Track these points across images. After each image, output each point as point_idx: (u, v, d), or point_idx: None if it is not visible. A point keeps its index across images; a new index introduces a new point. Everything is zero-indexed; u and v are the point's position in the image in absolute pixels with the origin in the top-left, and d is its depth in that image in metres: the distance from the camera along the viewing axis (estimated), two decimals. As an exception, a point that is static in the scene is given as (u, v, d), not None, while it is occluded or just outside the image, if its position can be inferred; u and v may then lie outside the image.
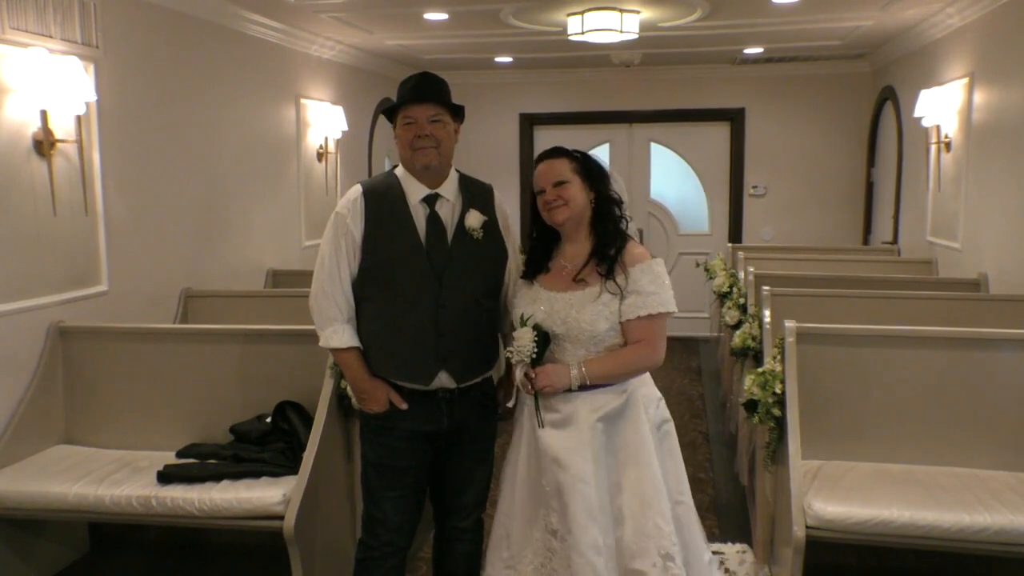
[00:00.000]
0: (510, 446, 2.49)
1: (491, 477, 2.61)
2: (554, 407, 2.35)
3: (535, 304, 2.37)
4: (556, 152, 2.43)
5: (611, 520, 2.31)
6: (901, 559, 3.44)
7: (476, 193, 2.51)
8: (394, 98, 2.47)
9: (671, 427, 2.46)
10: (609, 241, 2.37)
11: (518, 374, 2.32)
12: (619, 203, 2.43)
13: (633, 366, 2.35)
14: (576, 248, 2.42)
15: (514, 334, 2.32)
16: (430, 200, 2.42)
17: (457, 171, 2.51)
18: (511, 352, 2.32)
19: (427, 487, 2.60)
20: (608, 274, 2.33)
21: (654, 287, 2.32)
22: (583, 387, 2.32)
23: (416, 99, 2.38)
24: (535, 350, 2.29)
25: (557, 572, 2.31)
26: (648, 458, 2.33)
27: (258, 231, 5.11)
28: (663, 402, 2.46)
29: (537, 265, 2.45)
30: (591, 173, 2.40)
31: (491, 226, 2.47)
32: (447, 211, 2.45)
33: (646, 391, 2.41)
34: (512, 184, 7.45)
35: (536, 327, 2.31)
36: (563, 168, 2.38)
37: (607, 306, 2.31)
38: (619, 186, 2.46)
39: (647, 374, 2.44)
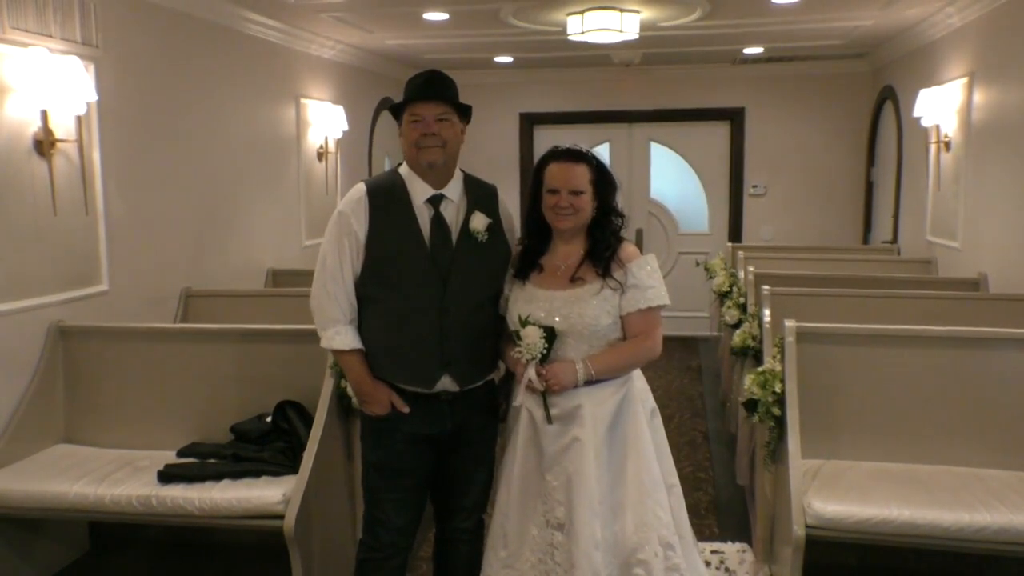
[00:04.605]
0: (507, 446, 2.50)
1: (492, 478, 2.61)
2: (559, 402, 2.36)
3: (532, 304, 2.37)
4: (579, 156, 2.39)
5: (610, 513, 2.33)
6: (901, 558, 3.44)
7: (481, 194, 2.49)
8: (394, 98, 2.47)
9: (658, 414, 2.52)
10: (606, 245, 2.40)
11: (529, 372, 2.33)
12: (620, 215, 2.46)
13: (635, 358, 2.40)
14: (570, 248, 2.43)
15: (521, 333, 2.31)
16: (435, 200, 2.41)
17: (462, 171, 2.50)
18: (519, 352, 2.32)
19: (428, 488, 2.59)
20: (605, 272, 2.36)
21: (652, 281, 2.38)
22: (587, 382, 2.34)
23: (424, 97, 2.36)
24: (545, 346, 2.30)
25: (560, 567, 2.32)
26: (646, 450, 2.38)
27: (258, 231, 5.11)
28: (649, 391, 2.51)
29: (530, 265, 2.45)
30: (603, 184, 2.40)
31: (495, 228, 2.46)
32: (452, 212, 2.43)
33: (641, 384, 2.47)
34: (512, 184, 7.44)
35: (541, 324, 2.31)
36: (583, 177, 2.37)
37: (608, 301, 2.35)
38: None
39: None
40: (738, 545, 3.53)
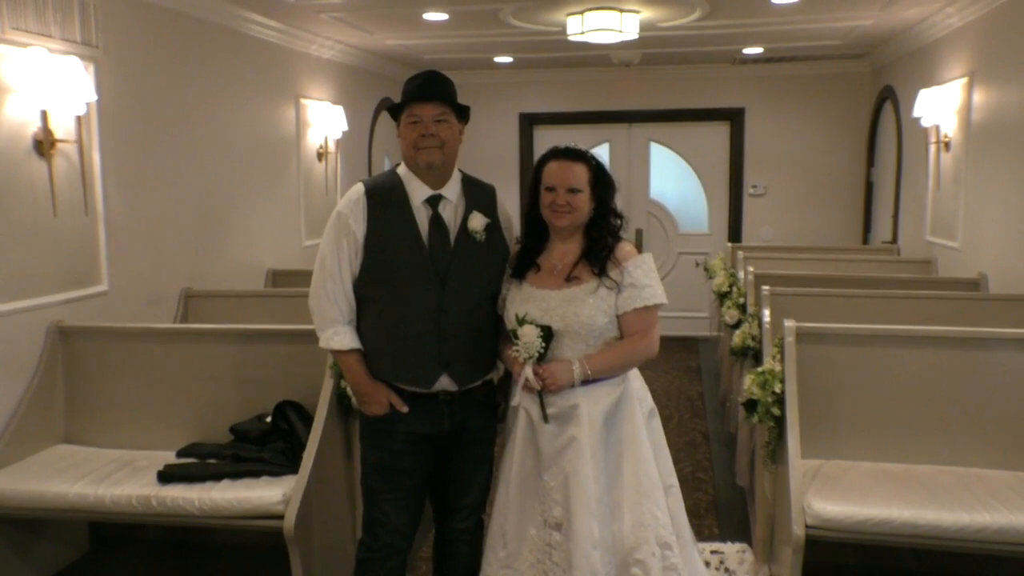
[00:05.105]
0: (505, 446, 2.50)
1: (491, 478, 2.61)
2: (556, 402, 2.36)
3: (528, 303, 2.37)
4: (577, 155, 2.40)
5: (608, 512, 2.33)
6: (901, 559, 3.44)
7: (479, 194, 2.50)
8: (394, 98, 2.47)
9: (656, 414, 2.52)
10: (602, 244, 2.40)
11: (526, 371, 2.33)
12: (619, 216, 2.45)
13: (633, 357, 2.40)
14: (567, 247, 2.43)
15: (518, 332, 2.31)
16: (433, 201, 2.41)
17: (460, 171, 2.50)
18: (517, 351, 2.32)
19: (428, 488, 2.59)
20: (601, 271, 2.36)
21: (648, 280, 2.38)
22: (584, 381, 2.34)
23: (422, 97, 2.36)
24: (542, 345, 2.29)
25: (558, 567, 2.32)
26: (643, 450, 2.37)
27: (258, 231, 5.11)
28: (648, 391, 2.51)
29: (527, 264, 2.45)
30: (601, 184, 2.41)
31: (494, 228, 2.46)
32: (450, 212, 2.43)
33: (638, 384, 2.47)
34: (512, 184, 7.45)
35: (538, 324, 2.31)
36: (581, 176, 2.37)
37: (604, 300, 2.35)
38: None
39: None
40: (738, 545, 3.52)
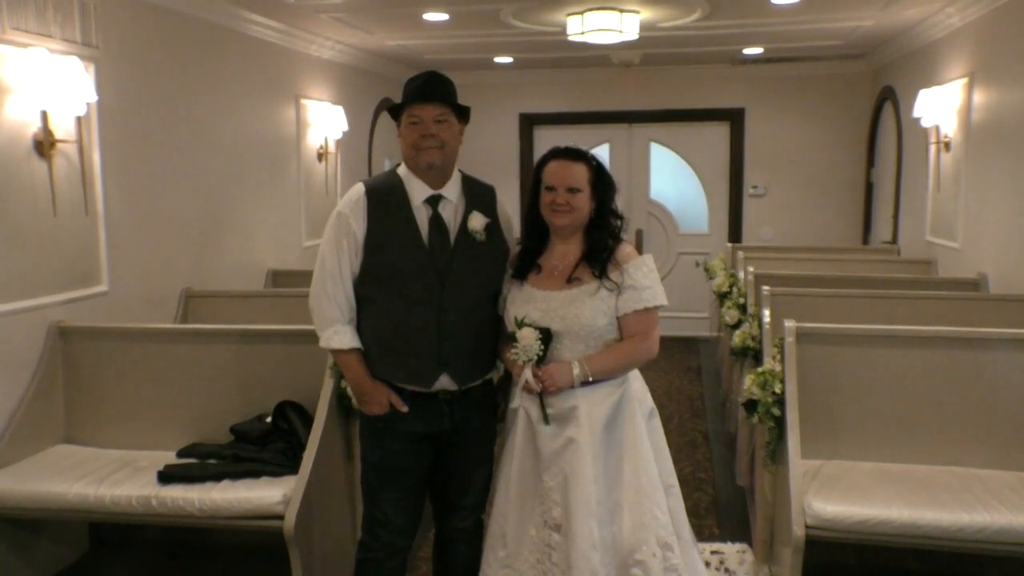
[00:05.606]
0: (504, 446, 2.50)
1: (491, 478, 2.61)
2: (555, 403, 2.36)
3: (529, 304, 2.37)
4: (577, 155, 2.41)
5: (607, 513, 2.33)
6: (901, 559, 3.44)
7: (479, 194, 2.50)
8: (394, 98, 2.47)
9: (657, 415, 2.52)
10: (603, 246, 2.40)
11: (525, 374, 2.33)
12: (620, 216, 2.45)
13: (633, 359, 2.40)
14: (568, 248, 2.43)
15: (517, 335, 2.32)
16: (433, 201, 2.42)
17: (460, 171, 2.51)
18: (516, 353, 2.32)
19: (427, 488, 2.59)
20: (602, 272, 2.36)
21: (648, 281, 2.38)
22: (584, 383, 2.34)
23: (422, 98, 2.36)
24: (541, 348, 2.29)
25: (557, 567, 2.32)
26: (644, 451, 2.37)
27: (258, 231, 5.11)
28: (648, 392, 2.51)
29: (528, 265, 2.45)
30: (600, 184, 2.41)
31: (493, 228, 2.47)
32: (450, 212, 2.44)
33: (638, 384, 2.47)
34: (512, 184, 7.45)
35: (537, 326, 2.31)
36: (581, 175, 2.38)
37: (604, 301, 2.35)
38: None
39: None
40: (738, 545, 3.52)
